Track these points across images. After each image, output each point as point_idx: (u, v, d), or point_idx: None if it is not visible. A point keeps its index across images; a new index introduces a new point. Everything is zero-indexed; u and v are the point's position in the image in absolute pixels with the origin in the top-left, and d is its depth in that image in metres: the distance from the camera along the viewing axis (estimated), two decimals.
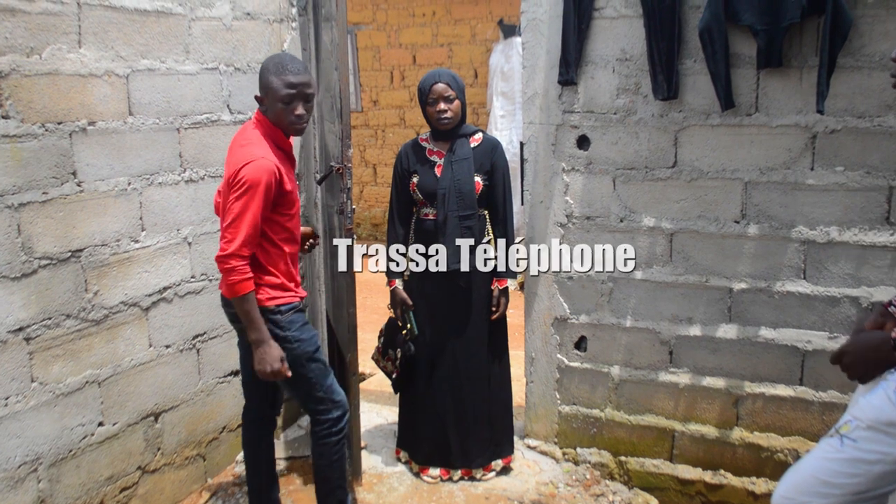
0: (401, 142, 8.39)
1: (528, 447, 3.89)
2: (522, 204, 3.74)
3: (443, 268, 3.42)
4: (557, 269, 3.67)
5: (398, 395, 3.76)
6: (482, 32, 7.83)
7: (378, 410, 4.32)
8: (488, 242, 3.53)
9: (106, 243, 3.05)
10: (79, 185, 2.93)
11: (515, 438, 3.84)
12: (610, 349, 3.66)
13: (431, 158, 3.53)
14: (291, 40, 3.89)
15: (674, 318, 3.51)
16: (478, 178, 3.46)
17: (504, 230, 3.55)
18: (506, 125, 6.40)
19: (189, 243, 3.42)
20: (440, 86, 3.39)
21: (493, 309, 3.56)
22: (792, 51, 3.10)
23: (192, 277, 3.45)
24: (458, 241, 3.40)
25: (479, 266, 3.46)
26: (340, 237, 3.33)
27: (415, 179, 3.52)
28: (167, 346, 3.37)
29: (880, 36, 2.99)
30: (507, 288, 3.56)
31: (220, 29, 3.48)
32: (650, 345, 3.58)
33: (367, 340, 4.00)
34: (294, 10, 3.88)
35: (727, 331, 3.43)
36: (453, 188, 3.41)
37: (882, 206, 3.10)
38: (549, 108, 3.54)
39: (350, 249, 3.31)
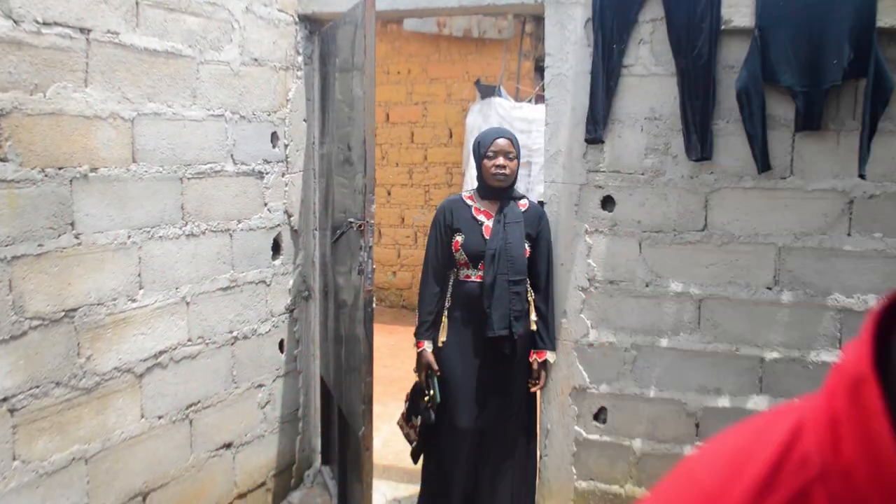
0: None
1: None
2: None
3: (490, 333, 3.18)
4: (577, 337, 3.49)
5: (423, 469, 3.48)
6: (458, 92, 7.76)
7: (374, 485, 4.01)
8: (528, 309, 3.33)
9: (102, 302, 2.75)
10: (76, 238, 2.65)
11: None
12: (632, 421, 3.46)
13: (478, 218, 3.32)
14: (296, 89, 3.70)
15: (701, 388, 3.34)
16: (525, 244, 3.28)
17: (545, 301, 3.36)
18: None
19: (187, 303, 3.14)
20: (503, 141, 3.24)
21: (534, 381, 3.36)
22: (829, 114, 3.03)
23: (189, 340, 3.16)
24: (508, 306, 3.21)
25: (522, 333, 3.27)
26: (360, 298, 3.09)
27: (458, 238, 3.28)
28: (160, 417, 3.05)
29: None
30: (546, 361, 3.37)
31: (227, 74, 3.27)
32: (675, 416, 3.39)
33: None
34: (300, 59, 3.70)
35: (758, 402, 3.27)
36: (504, 251, 3.20)
37: None
38: (573, 167, 3.40)
39: (370, 313, 3.06)
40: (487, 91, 6.39)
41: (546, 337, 3.35)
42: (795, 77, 2.97)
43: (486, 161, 3.25)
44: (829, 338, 3.15)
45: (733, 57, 3.11)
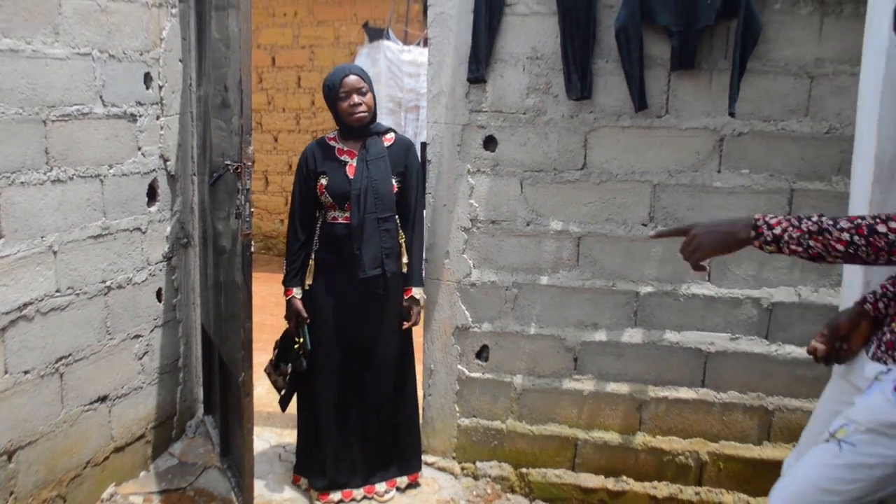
0: (254, 146, 7.99)
1: (426, 464, 3.68)
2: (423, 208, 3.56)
3: (361, 274, 3.17)
4: (460, 277, 3.51)
5: (298, 416, 3.44)
6: (346, 35, 7.55)
7: (258, 433, 3.96)
8: (400, 246, 3.32)
9: None
10: None
11: None
12: (513, 358, 3.54)
13: (342, 158, 3.27)
14: (171, 27, 3.49)
15: (579, 324, 3.44)
16: (393, 180, 3.25)
17: (413, 236, 3.34)
18: None
19: (55, 252, 2.95)
20: (352, 78, 3.16)
21: (406, 319, 3.35)
22: (702, 54, 3.11)
23: (58, 292, 2.98)
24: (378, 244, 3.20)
25: (395, 270, 3.26)
26: (239, 243, 2.99)
27: (323, 181, 3.23)
28: (26, 372, 2.88)
29: (785, 42, 3.06)
30: (413, 297, 3.35)
31: (93, 10, 3.04)
32: (555, 352, 3.49)
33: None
34: None
35: (632, 335, 3.40)
36: (370, 189, 3.17)
37: (784, 208, 3.17)
38: (456, 107, 3.38)
39: (249, 258, 2.97)
40: (376, 34, 6.25)
41: (413, 273, 3.34)
42: (672, 17, 3.03)
43: (340, 103, 3.19)
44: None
45: None
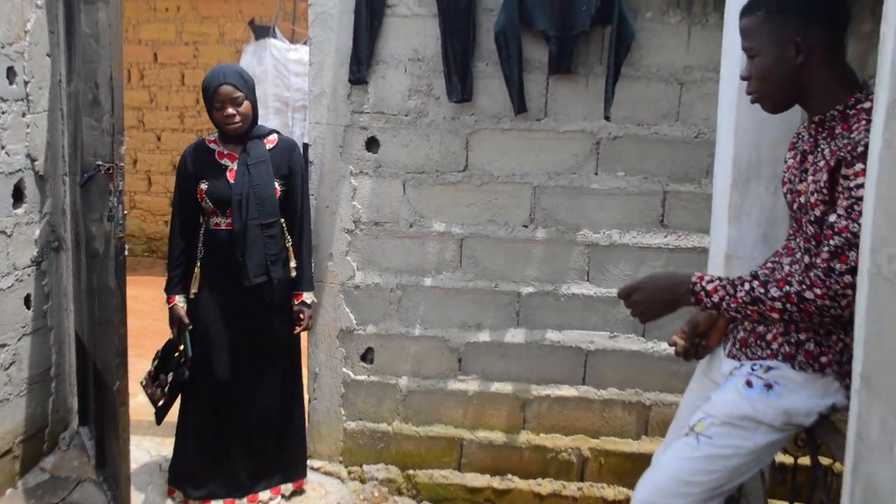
0: (136, 145, 7.72)
1: (313, 469, 3.63)
2: None
3: (246, 282, 3.09)
4: (344, 279, 3.49)
5: (177, 425, 3.34)
6: (231, 32, 7.38)
7: (138, 442, 3.83)
8: (287, 250, 3.24)
9: None
10: None
11: None
12: (398, 360, 3.54)
13: (222, 162, 3.15)
14: (37, 19, 3.33)
15: (463, 324, 3.47)
16: (276, 183, 3.15)
17: (301, 239, 3.25)
18: None
19: None
20: (226, 88, 3.02)
21: (298, 324, 3.29)
22: (579, 58, 3.19)
23: None
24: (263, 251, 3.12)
25: (281, 276, 3.20)
26: (112, 246, 2.88)
27: (203, 186, 3.12)
28: None
29: (656, 49, 3.17)
30: (303, 301, 3.29)
31: None
32: (439, 353, 3.50)
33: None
34: None
35: (515, 335, 3.45)
36: (252, 194, 3.07)
37: (657, 210, 3.28)
38: (338, 108, 3.36)
39: (122, 262, 2.87)
40: (262, 32, 6.14)
41: (303, 277, 3.26)
42: (549, 22, 3.09)
43: (215, 112, 3.07)
44: (579, 271, 3.37)
45: (493, 0, 3.18)
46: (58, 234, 3.61)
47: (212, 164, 3.15)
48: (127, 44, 7.47)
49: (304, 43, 6.24)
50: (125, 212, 2.92)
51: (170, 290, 3.20)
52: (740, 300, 1.80)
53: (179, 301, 3.19)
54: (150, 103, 7.65)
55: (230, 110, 3.03)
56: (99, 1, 2.93)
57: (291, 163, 3.21)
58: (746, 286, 1.80)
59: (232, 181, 3.11)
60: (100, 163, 2.95)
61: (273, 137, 3.23)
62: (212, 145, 3.20)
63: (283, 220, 3.21)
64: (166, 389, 3.24)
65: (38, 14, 3.36)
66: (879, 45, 1.41)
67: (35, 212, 3.44)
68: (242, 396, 3.25)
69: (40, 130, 3.44)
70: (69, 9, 3.44)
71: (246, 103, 3.07)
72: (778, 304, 1.74)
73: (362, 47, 3.22)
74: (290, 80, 5.80)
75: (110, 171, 2.87)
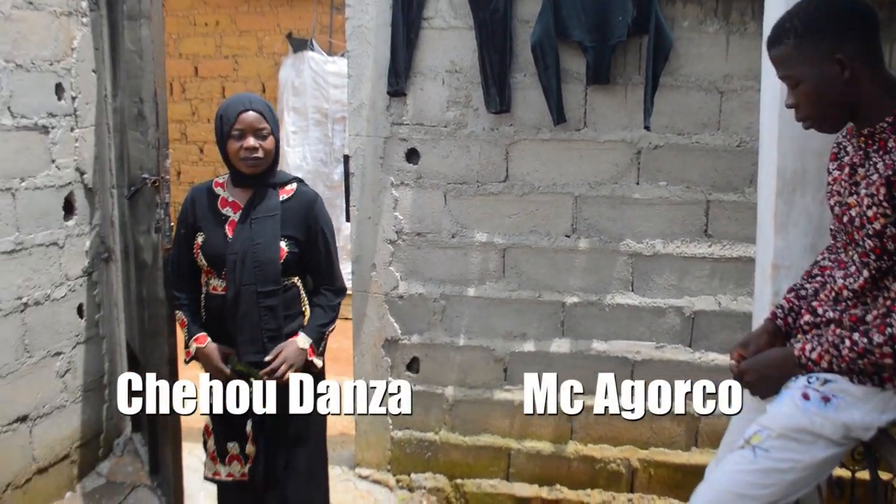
0: (179, 157, 7.87)
1: (361, 477, 3.68)
2: (348, 220, 3.56)
3: (239, 359, 2.56)
4: (388, 289, 3.52)
5: None
6: (270, 45, 7.48)
7: (189, 449, 3.92)
8: (302, 316, 2.68)
9: None
10: None
11: (346, 469, 3.65)
12: (443, 369, 3.55)
13: (223, 211, 2.60)
14: (83, 37, 3.45)
15: (508, 334, 3.47)
16: (283, 244, 2.57)
17: (333, 290, 2.72)
18: (298, 141, 6.17)
19: None
20: (251, 115, 2.49)
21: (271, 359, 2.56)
22: (617, 69, 3.16)
23: None
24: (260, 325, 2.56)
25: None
26: (159, 257, 2.97)
27: (199, 239, 2.59)
28: None
29: (695, 58, 3.13)
30: (296, 342, 2.60)
31: None
32: (484, 363, 3.51)
33: None
34: (84, 4, 3.44)
35: (560, 345, 3.43)
36: (249, 254, 2.52)
37: (701, 220, 3.23)
38: (377, 120, 3.39)
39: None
40: (300, 45, 6.23)
41: (310, 327, 2.64)
42: (585, 32, 3.07)
43: (231, 142, 2.51)
44: (623, 281, 3.33)
45: (528, 11, 3.17)
46: (107, 246, 3.72)
47: (213, 213, 2.61)
48: (168, 58, 7.63)
49: (342, 55, 6.32)
50: (172, 223, 3.00)
51: (191, 332, 2.63)
52: (848, 358, 1.77)
53: (209, 339, 2.61)
54: (192, 116, 7.81)
55: (252, 142, 2.49)
56: (142, 17, 3.02)
57: (310, 220, 2.63)
58: (848, 343, 1.77)
59: (230, 236, 2.56)
60: (146, 175, 3.03)
61: (291, 187, 2.66)
62: (217, 189, 2.65)
63: (297, 279, 2.68)
64: (247, 449, 2.67)
65: (84, 31, 3.47)
66: None
67: (85, 224, 3.56)
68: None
69: (88, 144, 3.56)
70: (113, 26, 3.55)
71: (270, 138, 2.54)
72: (887, 349, 1.71)
73: (400, 60, 3.24)
74: (328, 92, 5.86)
75: (156, 184, 2.96)
